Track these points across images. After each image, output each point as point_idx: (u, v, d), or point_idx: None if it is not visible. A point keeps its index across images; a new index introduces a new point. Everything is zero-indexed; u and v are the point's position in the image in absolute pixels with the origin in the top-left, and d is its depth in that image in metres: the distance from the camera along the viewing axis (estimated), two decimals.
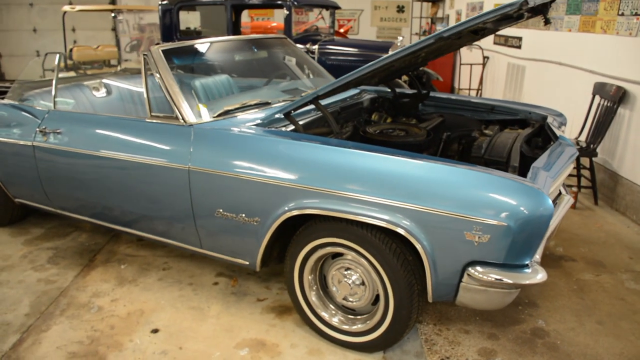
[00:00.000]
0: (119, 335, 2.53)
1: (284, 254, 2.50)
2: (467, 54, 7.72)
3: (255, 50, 3.34)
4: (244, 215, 2.39)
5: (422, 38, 2.33)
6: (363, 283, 2.33)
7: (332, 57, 5.53)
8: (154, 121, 2.66)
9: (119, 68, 6.89)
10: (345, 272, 2.36)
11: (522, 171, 2.30)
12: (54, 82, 3.19)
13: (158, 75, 2.66)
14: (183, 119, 2.56)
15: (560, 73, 4.98)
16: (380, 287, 2.22)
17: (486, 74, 7.21)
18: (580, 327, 2.59)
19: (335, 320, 2.42)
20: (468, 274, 2.02)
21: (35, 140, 3.05)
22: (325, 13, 6.78)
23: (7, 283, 2.99)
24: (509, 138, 2.72)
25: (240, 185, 2.34)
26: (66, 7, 7.14)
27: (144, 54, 2.73)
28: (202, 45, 3.09)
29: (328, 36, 6.23)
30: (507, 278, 1.97)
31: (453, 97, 3.50)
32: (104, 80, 3.98)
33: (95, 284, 2.99)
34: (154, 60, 2.69)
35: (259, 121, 2.57)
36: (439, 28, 7.94)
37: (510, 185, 1.95)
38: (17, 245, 3.47)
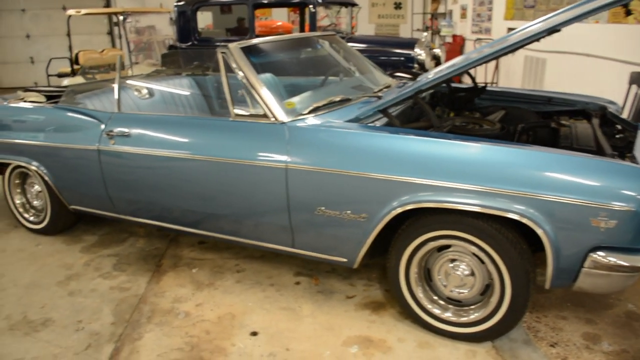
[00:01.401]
0: (217, 340, 2.45)
1: (377, 249, 2.46)
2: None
3: (319, 47, 3.29)
4: (349, 212, 2.35)
5: (528, 31, 2.34)
6: (472, 274, 2.32)
7: None
8: (240, 120, 2.59)
9: (130, 72, 6.71)
10: (452, 264, 2.35)
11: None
12: (116, 84, 3.07)
13: (241, 74, 2.59)
14: (274, 117, 2.51)
15: (587, 64, 5.07)
16: (496, 277, 2.21)
17: (500, 68, 7.27)
18: None
19: (447, 314, 2.40)
20: (592, 259, 2.03)
21: (100, 144, 2.93)
22: (344, 11, 6.76)
23: (80, 292, 2.87)
24: (587, 128, 2.75)
25: (346, 181, 2.30)
26: (71, 11, 6.93)
27: (222, 52, 2.65)
28: (273, 43, 3.02)
29: (347, 34, 6.21)
30: (633, 262, 1.99)
31: (508, 90, 3.53)
32: (144, 83, 3.86)
33: (172, 289, 2.89)
34: (234, 58, 2.62)
35: (352, 117, 2.54)
36: (443, 23, 8.01)
37: (632, 171, 1.97)
38: (76, 254, 3.33)
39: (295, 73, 3.32)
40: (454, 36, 8.22)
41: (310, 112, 2.57)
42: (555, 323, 2.53)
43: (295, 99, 2.67)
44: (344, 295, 2.80)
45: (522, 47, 2.45)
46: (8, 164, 3.50)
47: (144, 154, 2.79)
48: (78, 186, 3.17)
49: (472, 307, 2.38)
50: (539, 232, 2.02)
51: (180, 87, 3.90)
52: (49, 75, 7.08)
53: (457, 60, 2.68)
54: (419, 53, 5.28)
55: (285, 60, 3.21)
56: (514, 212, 2.03)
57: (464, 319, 2.36)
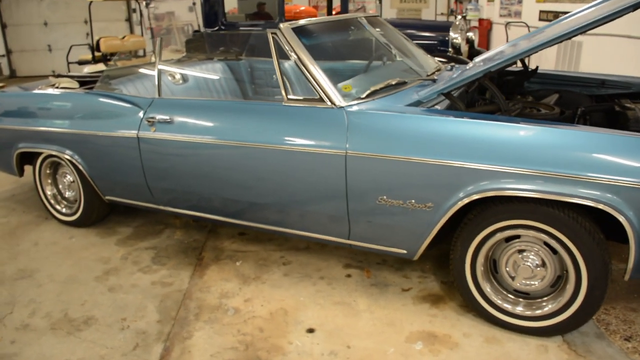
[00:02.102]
0: (273, 337, 2.29)
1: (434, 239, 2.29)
2: (510, 32, 7.44)
3: (366, 28, 3.08)
4: (413, 201, 2.18)
5: (608, 7, 2.13)
6: (543, 265, 2.15)
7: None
8: (293, 104, 2.41)
9: (152, 58, 6.55)
10: (521, 255, 2.18)
11: None
12: (156, 68, 2.89)
13: (294, 56, 2.41)
14: (330, 101, 2.33)
15: (627, 46, 4.80)
16: (572, 268, 2.05)
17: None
18: None
19: (519, 308, 2.22)
20: None
21: (140, 131, 2.77)
22: None
23: (121, 288, 2.73)
24: None
25: (410, 169, 2.13)
26: None
27: (273, 34, 2.47)
28: (321, 24, 2.81)
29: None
30: None
31: (559, 73, 3.32)
32: (181, 69, 3.69)
33: (217, 283, 2.74)
34: (286, 39, 2.43)
35: (412, 101, 2.36)
36: (470, 7, 7.73)
37: None
38: (111, 247, 3.19)
39: (342, 55, 3.13)
40: (480, 20, 7.94)
41: (368, 96, 2.39)
42: (625, 315, 2.36)
43: (350, 82, 2.49)
44: (399, 288, 2.63)
45: (598, 25, 2.24)
46: (39, 154, 3.36)
47: (187, 142, 2.62)
48: (114, 176, 3.01)
49: (544, 299, 2.20)
50: (621, 219, 1.86)
51: (214, 72, 3.72)
52: (69, 63, 6.94)
53: (521, 42, 2.48)
54: (455, 37, 5.05)
55: (332, 41, 3.02)
56: (595, 199, 1.87)
57: (536, 313, 2.19)
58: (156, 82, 2.86)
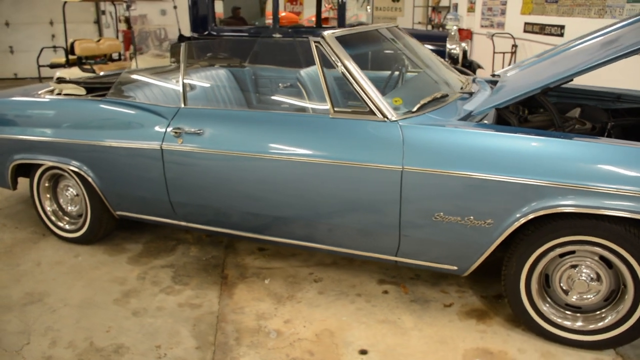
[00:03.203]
0: None
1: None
2: (496, 43, 7.58)
3: (392, 40, 3.01)
4: (472, 217, 2.14)
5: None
6: (598, 279, 2.15)
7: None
8: (341, 117, 2.32)
9: (133, 63, 6.25)
10: (575, 270, 2.18)
11: None
12: (181, 75, 2.72)
13: (341, 66, 2.32)
14: (382, 114, 2.26)
15: (631, 59, 4.97)
16: (631, 282, 2.06)
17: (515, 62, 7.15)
18: None
19: (578, 324, 2.21)
20: None
21: (164, 143, 2.60)
22: (356, 4, 6.49)
23: (145, 312, 2.54)
24: None
25: (471, 185, 2.10)
26: None
27: (316, 42, 2.37)
28: (358, 34, 2.72)
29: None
30: None
31: (576, 86, 3.38)
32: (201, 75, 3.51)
33: (250, 304, 2.60)
34: (331, 48, 2.34)
35: (462, 115, 2.33)
36: (449, 17, 7.86)
37: None
38: (124, 265, 2.98)
39: (375, 66, 3.05)
40: (460, 30, 8.09)
41: (418, 110, 2.33)
42: None
43: (399, 95, 2.42)
44: (440, 303, 2.58)
45: None
46: (38, 165, 3.10)
47: (220, 155, 2.48)
48: (130, 189, 2.81)
49: (602, 313, 2.20)
50: None
51: (229, 80, 3.56)
52: (39, 66, 6.51)
53: (577, 57, 2.47)
54: (452, 47, 5.10)
55: (366, 52, 2.95)
56: None
57: (592, 327, 2.19)
58: (181, 91, 2.69)
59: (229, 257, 3.07)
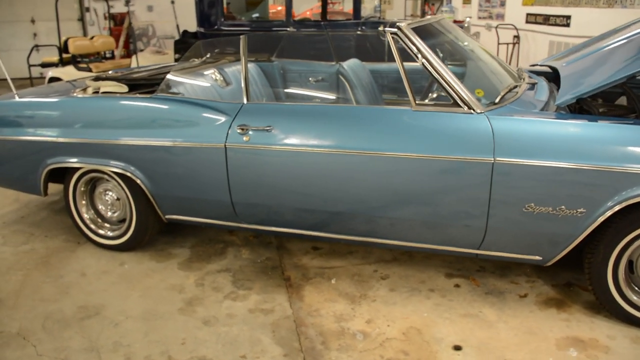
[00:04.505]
0: None
1: None
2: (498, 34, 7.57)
3: (450, 31, 2.94)
4: (564, 207, 2.11)
5: None
6: None
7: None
8: (425, 110, 2.26)
9: (133, 60, 6.00)
10: None
11: None
12: (243, 69, 2.58)
13: (422, 59, 2.25)
14: (468, 106, 2.21)
15: None
16: None
17: (520, 54, 7.15)
18: None
19: None
20: None
21: (229, 141, 2.47)
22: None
23: (217, 320, 2.41)
24: None
25: (563, 174, 2.08)
26: None
27: (393, 34, 2.29)
28: (425, 26, 2.64)
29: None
30: None
31: None
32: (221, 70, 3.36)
33: (323, 305, 2.50)
34: (411, 40, 2.27)
35: (542, 106, 2.30)
36: (445, 9, 7.88)
37: None
38: (176, 272, 2.83)
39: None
40: (455, 21, 8.13)
41: (499, 102, 2.29)
42: None
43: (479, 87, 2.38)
44: (514, 294, 2.55)
45: None
46: (75, 169, 2.91)
47: (293, 152, 2.37)
48: (187, 191, 2.66)
49: None
50: None
51: (266, 75, 3.43)
52: (30, 65, 6.17)
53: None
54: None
55: (433, 44, 2.87)
56: None
57: None
58: (243, 85, 2.55)
59: (284, 258, 2.96)
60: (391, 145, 2.24)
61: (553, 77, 3.08)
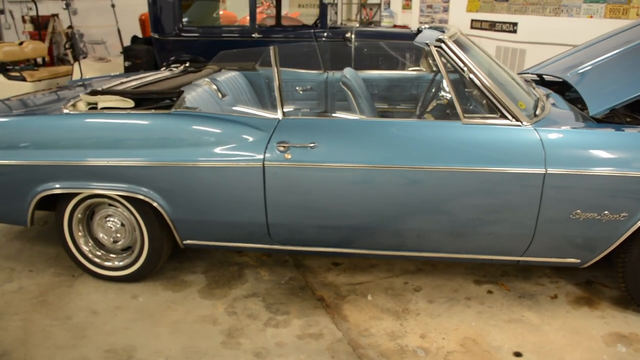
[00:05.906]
0: None
1: None
2: None
3: (471, 44, 2.99)
4: (607, 212, 2.24)
5: None
6: None
7: (368, 47, 5.25)
8: (474, 123, 2.28)
9: (76, 68, 5.46)
10: None
11: None
12: (276, 81, 2.43)
13: (466, 71, 2.28)
14: (516, 119, 2.27)
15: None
16: None
17: None
18: None
19: None
20: None
21: (267, 160, 2.32)
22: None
23: (268, 352, 2.25)
24: None
25: (610, 182, 2.20)
26: None
27: (437, 47, 2.29)
28: (462, 36, 2.65)
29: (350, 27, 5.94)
30: None
31: None
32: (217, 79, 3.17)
33: (371, 324, 2.44)
34: (454, 53, 2.29)
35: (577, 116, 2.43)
36: (385, 14, 8.07)
37: None
38: (199, 301, 2.60)
39: None
40: (396, 26, 8.35)
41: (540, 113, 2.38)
42: None
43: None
44: (545, 296, 2.67)
45: None
46: (72, 196, 2.59)
47: (342, 169, 2.28)
48: (215, 215, 2.45)
49: None
50: None
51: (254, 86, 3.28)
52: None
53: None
54: None
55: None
56: None
57: None
58: (278, 99, 2.41)
59: (308, 277, 2.84)
60: (444, 159, 2.24)
61: (542, 84, 3.25)
